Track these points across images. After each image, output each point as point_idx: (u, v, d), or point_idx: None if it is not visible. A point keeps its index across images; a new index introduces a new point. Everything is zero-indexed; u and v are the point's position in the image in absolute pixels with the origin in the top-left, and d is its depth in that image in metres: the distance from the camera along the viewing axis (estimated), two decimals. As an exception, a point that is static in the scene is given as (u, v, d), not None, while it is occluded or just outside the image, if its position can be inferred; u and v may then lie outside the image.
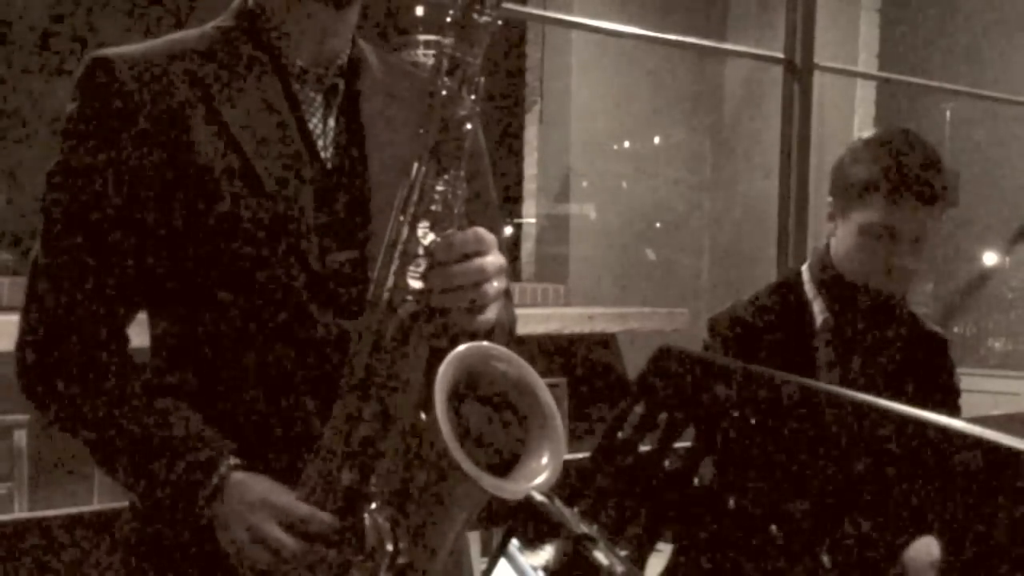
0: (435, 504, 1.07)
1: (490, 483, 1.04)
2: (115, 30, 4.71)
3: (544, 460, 1.08)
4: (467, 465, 1.02)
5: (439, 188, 1.11)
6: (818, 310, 1.86)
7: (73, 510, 1.83)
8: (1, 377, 1.35)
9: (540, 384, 1.11)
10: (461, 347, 1.08)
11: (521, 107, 6.02)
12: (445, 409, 1.03)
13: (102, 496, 3.41)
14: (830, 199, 1.84)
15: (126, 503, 1.28)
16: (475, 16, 1.09)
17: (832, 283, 1.85)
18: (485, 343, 1.11)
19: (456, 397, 1.07)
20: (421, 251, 1.11)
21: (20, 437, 3.34)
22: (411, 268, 1.11)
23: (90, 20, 4.78)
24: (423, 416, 1.06)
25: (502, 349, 1.11)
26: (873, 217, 1.75)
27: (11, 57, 4.65)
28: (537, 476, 1.07)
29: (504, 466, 1.09)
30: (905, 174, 1.71)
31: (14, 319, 1.23)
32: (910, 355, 1.91)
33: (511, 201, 5.89)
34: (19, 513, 3.10)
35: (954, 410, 1.99)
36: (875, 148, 1.77)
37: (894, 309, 1.89)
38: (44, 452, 3.53)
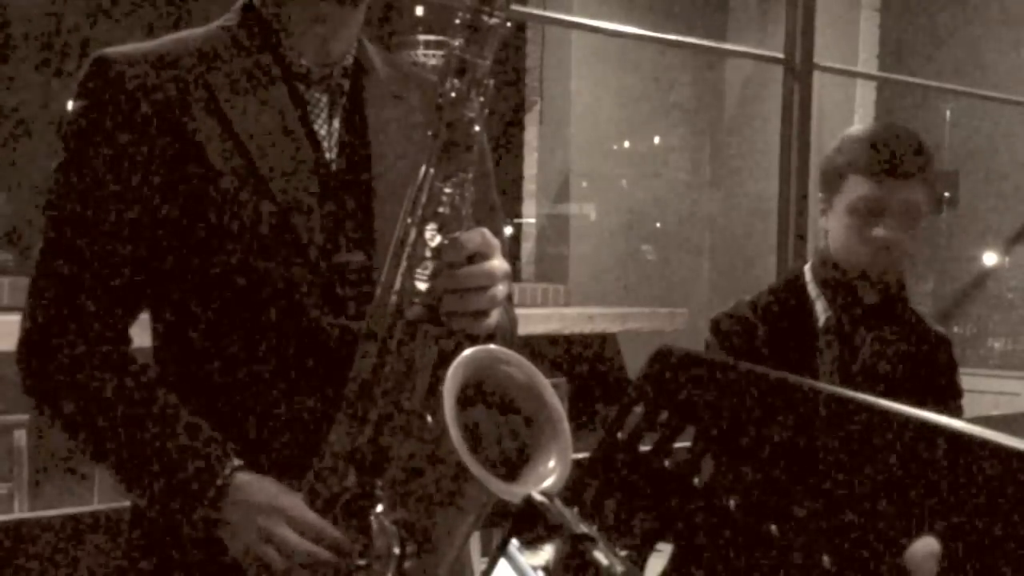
0: (442, 507, 1.06)
1: (498, 486, 1.03)
2: (116, 30, 4.70)
3: (552, 463, 1.08)
4: (475, 468, 1.02)
5: (447, 190, 1.11)
6: (821, 310, 1.87)
7: (73, 510, 1.83)
8: (1, 377, 1.34)
9: (547, 387, 1.11)
10: (469, 350, 1.07)
11: (521, 107, 6.02)
12: (453, 412, 1.03)
13: (102, 496, 3.40)
14: (820, 195, 1.89)
15: (127, 504, 1.27)
16: (484, 18, 1.09)
17: (834, 281, 1.85)
18: (492, 346, 1.10)
19: (464, 400, 1.07)
20: (428, 253, 1.11)
21: (20, 437, 3.33)
22: (419, 271, 1.11)
23: (91, 20, 4.78)
24: (431, 419, 1.06)
25: (510, 352, 1.11)
26: (853, 194, 1.80)
27: (11, 57, 4.65)
28: (545, 479, 1.06)
29: (512, 469, 1.08)
30: (879, 149, 1.78)
31: (14, 319, 1.23)
32: (913, 355, 1.91)
33: (511, 201, 5.89)
34: (19, 513, 3.10)
35: (956, 411, 1.98)
36: (854, 135, 1.86)
37: (897, 308, 1.89)
38: (44, 452, 3.53)
